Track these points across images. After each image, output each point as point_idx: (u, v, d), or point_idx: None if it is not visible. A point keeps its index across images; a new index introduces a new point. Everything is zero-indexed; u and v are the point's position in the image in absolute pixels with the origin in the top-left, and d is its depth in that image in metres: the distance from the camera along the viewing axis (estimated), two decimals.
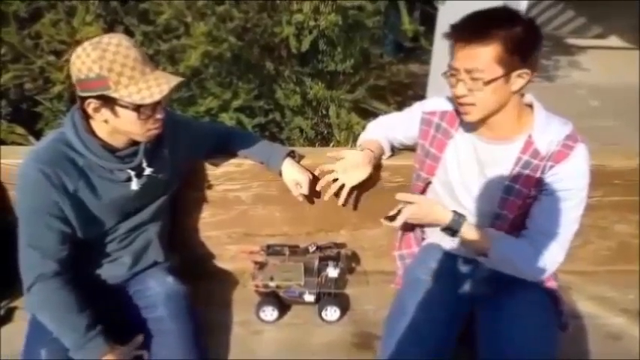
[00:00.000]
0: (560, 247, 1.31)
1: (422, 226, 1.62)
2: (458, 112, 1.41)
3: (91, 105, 1.19)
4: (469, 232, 1.36)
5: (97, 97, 1.17)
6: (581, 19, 7.20)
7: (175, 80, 1.21)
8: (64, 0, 3.03)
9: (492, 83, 1.18)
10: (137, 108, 1.19)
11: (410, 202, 1.40)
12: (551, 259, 1.32)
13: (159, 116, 1.26)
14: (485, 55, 1.17)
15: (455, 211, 1.37)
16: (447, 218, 1.36)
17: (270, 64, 3.63)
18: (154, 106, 1.22)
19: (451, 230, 1.37)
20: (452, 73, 1.24)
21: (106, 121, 1.23)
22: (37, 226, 1.25)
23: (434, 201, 1.46)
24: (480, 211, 1.40)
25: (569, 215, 1.30)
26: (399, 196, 1.41)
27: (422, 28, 4.03)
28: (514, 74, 1.20)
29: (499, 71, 1.18)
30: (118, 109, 1.19)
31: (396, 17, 4.34)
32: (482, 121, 1.32)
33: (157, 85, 1.17)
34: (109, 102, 1.18)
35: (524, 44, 1.18)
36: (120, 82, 1.15)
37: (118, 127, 1.24)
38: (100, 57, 1.13)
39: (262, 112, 3.67)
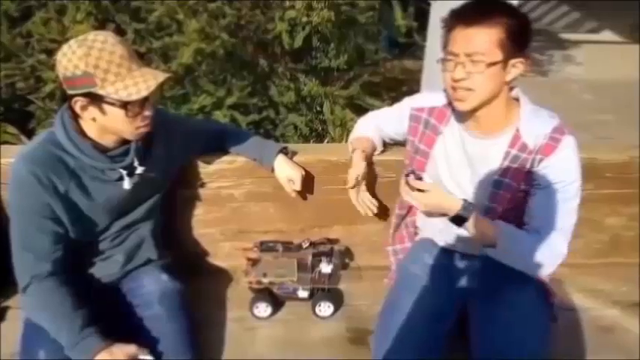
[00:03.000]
0: (563, 239, 1.31)
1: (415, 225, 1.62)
2: (449, 105, 1.42)
3: (79, 103, 1.18)
4: (477, 221, 1.31)
5: (84, 95, 1.17)
6: (575, 14, 7.23)
7: (162, 76, 1.20)
8: None
9: (492, 67, 1.19)
10: (124, 105, 1.18)
11: (422, 190, 1.32)
12: (557, 252, 1.31)
13: (147, 113, 1.25)
14: (487, 38, 1.18)
15: (464, 200, 1.32)
16: (457, 206, 1.30)
17: (263, 61, 3.63)
18: (142, 102, 1.21)
19: (460, 219, 1.30)
20: (449, 57, 1.23)
21: (94, 119, 1.22)
22: (30, 228, 1.25)
23: (443, 191, 1.39)
24: None
25: (566, 207, 1.30)
26: (413, 183, 1.32)
27: (415, 24, 4.03)
28: (511, 62, 1.22)
29: (499, 55, 1.19)
30: (106, 106, 1.18)
31: (389, 13, 4.34)
32: (472, 114, 1.32)
33: (144, 82, 1.17)
34: (96, 99, 1.17)
35: (522, 34, 1.21)
36: (106, 79, 1.14)
37: (106, 125, 1.23)
38: (86, 54, 1.12)
39: (256, 110, 3.68)
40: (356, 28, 3.85)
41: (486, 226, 1.32)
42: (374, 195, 1.62)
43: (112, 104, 1.18)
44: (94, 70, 1.13)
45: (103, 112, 1.20)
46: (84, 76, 1.13)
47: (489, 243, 1.34)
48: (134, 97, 1.16)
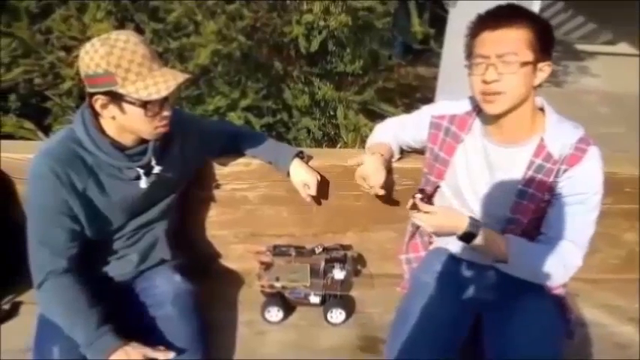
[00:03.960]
0: (578, 250, 1.30)
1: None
2: (471, 113, 1.40)
3: (99, 101, 1.19)
4: (486, 237, 1.29)
5: (105, 94, 1.17)
6: (592, 25, 7.16)
7: (182, 77, 1.21)
8: None
9: (525, 67, 1.19)
10: (144, 104, 1.19)
11: (426, 212, 1.31)
12: (571, 263, 1.30)
13: (166, 113, 1.25)
14: (517, 38, 1.18)
15: (471, 217, 1.30)
16: (464, 224, 1.28)
17: (278, 63, 3.63)
18: (161, 103, 1.22)
19: (469, 236, 1.29)
20: (479, 61, 1.22)
21: (113, 118, 1.22)
22: (47, 224, 1.25)
23: (450, 209, 1.40)
24: (491, 216, 1.37)
25: (585, 219, 1.29)
26: (420, 204, 1.31)
27: (432, 30, 4.02)
28: (539, 65, 1.22)
29: (530, 56, 1.19)
30: (125, 105, 1.19)
31: (405, 19, 4.34)
32: (497, 121, 1.31)
33: (164, 82, 1.17)
34: (116, 98, 1.18)
35: (547, 36, 1.21)
36: (127, 79, 1.15)
37: (125, 124, 1.24)
38: (108, 53, 1.13)
39: (270, 112, 3.68)
40: (372, 33, 3.85)
41: (497, 241, 1.31)
42: (390, 202, 1.61)
43: (132, 103, 1.19)
44: (116, 70, 1.14)
45: (122, 110, 1.20)
46: (105, 75, 1.14)
47: (501, 258, 1.32)
48: (154, 96, 1.17)
